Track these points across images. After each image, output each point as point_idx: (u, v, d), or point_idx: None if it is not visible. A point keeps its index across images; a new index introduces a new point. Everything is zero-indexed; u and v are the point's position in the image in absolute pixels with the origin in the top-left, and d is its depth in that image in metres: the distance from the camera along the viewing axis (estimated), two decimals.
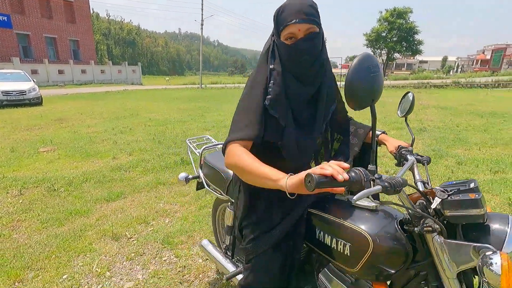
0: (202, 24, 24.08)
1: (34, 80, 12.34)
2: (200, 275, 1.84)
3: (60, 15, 26.77)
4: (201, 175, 1.71)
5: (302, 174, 0.74)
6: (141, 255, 2.05)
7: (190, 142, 1.90)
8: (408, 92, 1.14)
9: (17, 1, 23.44)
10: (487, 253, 0.67)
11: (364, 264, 0.87)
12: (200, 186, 1.78)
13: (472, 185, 0.76)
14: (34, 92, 11.13)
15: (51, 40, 26.77)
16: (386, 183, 0.68)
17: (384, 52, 35.29)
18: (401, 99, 1.18)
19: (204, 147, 1.75)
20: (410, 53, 34.88)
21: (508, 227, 0.73)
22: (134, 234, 2.32)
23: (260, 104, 0.95)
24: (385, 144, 1.23)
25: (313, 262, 1.15)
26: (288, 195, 0.80)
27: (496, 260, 0.64)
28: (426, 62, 59.36)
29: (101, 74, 29.01)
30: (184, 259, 1.99)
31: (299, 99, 0.99)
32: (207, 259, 1.99)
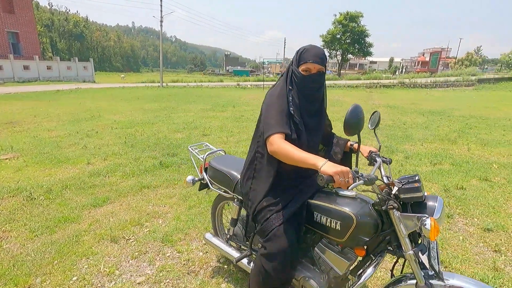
0: (161, 21, 23.33)
1: None
2: (204, 266, 2.09)
3: None
4: (206, 177, 1.96)
5: (335, 166, 1.08)
6: (145, 253, 2.23)
7: (192, 149, 2.13)
8: (376, 111, 1.53)
9: None
10: (423, 219, 1.09)
11: (349, 235, 1.26)
12: (202, 187, 2.03)
13: (416, 178, 1.17)
14: None
15: None
16: (366, 179, 1.06)
17: (339, 53, 37.52)
18: (371, 115, 1.57)
19: (208, 153, 2.00)
20: (361, 54, 37.54)
21: (436, 203, 1.16)
22: (132, 236, 2.47)
23: (287, 111, 1.36)
24: (360, 151, 1.63)
25: (308, 240, 1.51)
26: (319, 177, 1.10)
27: (428, 222, 1.06)
28: (375, 62, 64.24)
29: (47, 70, 26.57)
30: (186, 253, 2.22)
31: (308, 112, 1.42)
32: (207, 251, 2.25)
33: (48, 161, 4.37)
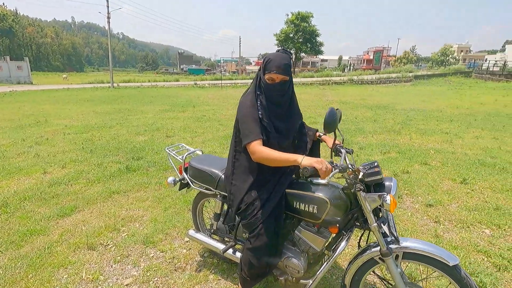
0: (108, 17, 21.85)
1: None
2: (190, 261, 2.18)
3: None
4: (186, 176, 2.05)
5: (312, 159, 1.30)
6: (127, 256, 2.24)
7: (170, 150, 2.19)
8: (337, 109, 1.78)
9: None
10: (384, 196, 1.35)
11: (325, 216, 1.49)
12: (182, 186, 2.12)
13: (375, 163, 1.43)
14: None
15: None
16: (340, 168, 1.28)
17: (293, 51, 38.85)
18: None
19: (186, 153, 2.09)
20: (313, 53, 39.37)
21: (392, 182, 1.45)
22: (110, 241, 2.44)
23: (258, 117, 1.50)
24: (325, 142, 1.86)
25: (288, 225, 1.71)
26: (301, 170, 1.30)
27: (388, 198, 1.33)
28: (326, 60, 67.78)
29: None
30: (170, 252, 2.28)
31: (276, 116, 1.56)
32: (190, 248, 2.33)
33: None
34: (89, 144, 5.61)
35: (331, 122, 1.39)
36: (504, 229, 2.60)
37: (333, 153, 1.71)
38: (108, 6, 21.82)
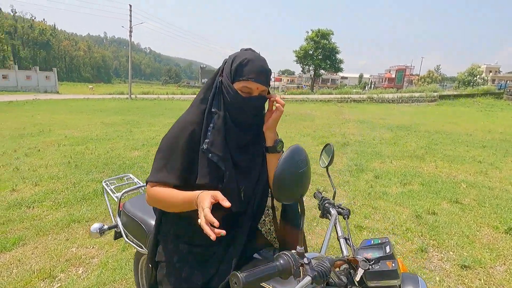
0: (130, 31, 22.53)
1: None
2: None
3: None
4: (119, 224, 1.48)
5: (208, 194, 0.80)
6: None
7: (107, 184, 1.64)
8: (328, 144, 1.17)
9: None
10: None
11: None
12: (118, 235, 1.55)
13: (388, 249, 0.79)
14: None
15: None
16: (315, 272, 0.64)
17: (312, 68, 38.52)
18: (322, 150, 1.19)
19: (123, 191, 1.53)
20: (333, 70, 38.84)
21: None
22: None
23: (193, 147, 0.96)
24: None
25: None
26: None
27: None
28: (346, 78, 66.96)
29: (2, 80, 24.62)
30: None
31: (238, 144, 1.00)
32: None
33: None
34: (78, 157, 5.24)
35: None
36: None
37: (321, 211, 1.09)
38: (131, 21, 22.54)
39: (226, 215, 0.92)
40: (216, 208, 0.80)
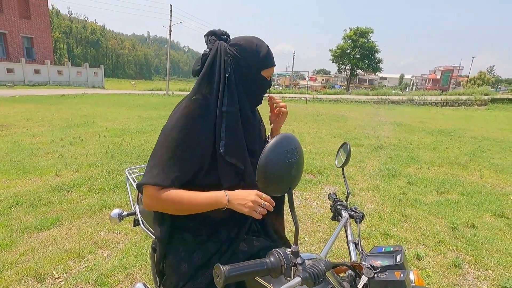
0: (170, 30, 23.54)
1: None
2: None
3: (12, 9, 24.61)
4: (137, 211, 1.54)
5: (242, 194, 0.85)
6: None
7: (129, 173, 1.71)
8: (345, 143, 1.09)
9: None
10: None
11: None
12: (137, 222, 1.61)
13: (398, 258, 0.71)
14: None
15: (0, 35, 24.45)
16: (306, 273, 0.59)
17: (348, 67, 37.23)
18: (338, 149, 1.12)
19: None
20: (371, 70, 37.19)
21: None
22: (63, 273, 2.04)
23: (205, 143, 0.90)
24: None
25: None
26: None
27: None
28: (385, 78, 63.70)
29: (58, 75, 26.98)
30: None
31: (251, 140, 0.99)
32: None
33: (14, 171, 4.02)
34: (115, 148, 5.58)
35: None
36: None
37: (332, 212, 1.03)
38: (171, 21, 23.53)
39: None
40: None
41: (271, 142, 0.63)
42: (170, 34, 23.86)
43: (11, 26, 24.68)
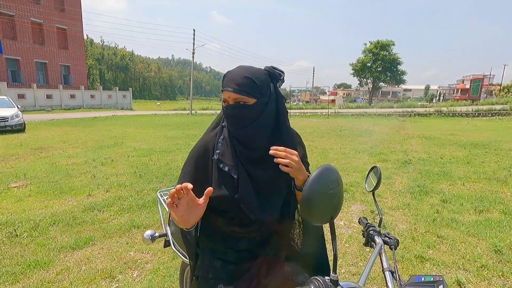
0: (193, 53, 24.67)
1: (19, 106, 12.14)
2: None
3: (53, 41, 27.09)
4: (169, 233, 1.57)
5: None
6: None
7: (161, 195, 1.77)
8: (375, 167, 1.07)
9: (10, 27, 23.70)
10: None
11: None
12: (168, 244, 1.64)
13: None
14: (17, 119, 10.89)
15: (42, 65, 26.82)
16: None
17: (370, 81, 36.69)
18: (368, 172, 1.10)
19: None
20: (394, 82, 36.39)
21: None
22: None
23: (203, 158, 1.01)
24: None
25: None
26: None
27: None
28: (410, 90, 61.89)
29: (90, 99, 28.90)
30: None
31: (248, 156, 0.97)
32: None
33: (51, 191, 4.28)
34: (143, 168, 5.79)
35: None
36: None
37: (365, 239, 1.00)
38: (194, 44, 24.72)
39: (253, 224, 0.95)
40: (234, 215, 0.92)
41: (314, 174, 0.65)
42: (193, 57, 24.97)
43: (51, 56, 27.06)
